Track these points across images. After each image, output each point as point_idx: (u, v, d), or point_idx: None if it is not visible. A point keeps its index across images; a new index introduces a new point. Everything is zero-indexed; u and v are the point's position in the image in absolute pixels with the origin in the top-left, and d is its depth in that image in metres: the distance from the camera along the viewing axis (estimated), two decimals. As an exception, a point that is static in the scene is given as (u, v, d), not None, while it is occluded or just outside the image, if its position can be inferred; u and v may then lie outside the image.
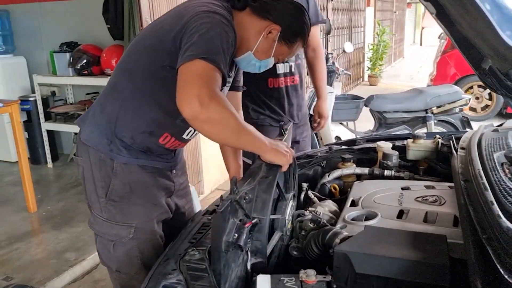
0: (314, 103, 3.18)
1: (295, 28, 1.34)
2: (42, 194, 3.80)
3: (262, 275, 1.03)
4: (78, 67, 3.93)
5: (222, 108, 1.09)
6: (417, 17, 21.14)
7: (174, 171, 1.47)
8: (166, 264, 1.09)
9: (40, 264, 2.68)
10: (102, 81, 3.78)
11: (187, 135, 1.40)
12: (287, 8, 1.34)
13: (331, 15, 6.93)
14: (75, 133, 4.20)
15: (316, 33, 2.37)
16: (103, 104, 1.34)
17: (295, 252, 1.26)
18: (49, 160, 4.58)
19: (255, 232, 1.10)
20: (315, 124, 2.46)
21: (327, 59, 3.38)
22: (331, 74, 3.45)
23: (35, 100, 4.37)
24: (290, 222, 1.28)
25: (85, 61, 3.91)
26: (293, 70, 2.19)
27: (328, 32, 4.11)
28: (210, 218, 1.37)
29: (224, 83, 1.19)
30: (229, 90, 1.48)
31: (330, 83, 3.41)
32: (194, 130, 1.38)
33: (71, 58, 3.98)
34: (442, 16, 1.41)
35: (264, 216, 1.11)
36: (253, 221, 1.08)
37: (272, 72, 2.10)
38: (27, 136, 4.52)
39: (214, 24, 1.17)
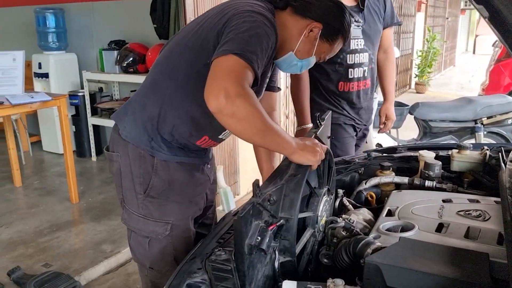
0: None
1: (336, 25, 1.33)
2: (84, 186, 3.94)
3: (288, 281, 1.00)
4: (125, 65, 4.05)
5: (248, 105, 1.07)
6: (471, 24, 20.32)
7: (208, 165, 1.49)
8: (192, 263, 1.09)
9: (78, 254, 2.77)
10: (147, 79, 3.87)
11: (223, 135, 1.41)
12: (327, 6, 1.32)
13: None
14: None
15: (389, 35, 2.37)
16: (144, 101, 1.34)
17: (325, 260, 1.22)
18: (93, 153, 4.75)
19: (283, 231, 1.07)
20: (381, 126, 2.46)
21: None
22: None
23: (83, 96, 4.55)
24: (323, 218, 1.24)
25: (131, 59, 4.02)
26: (366, 74, 2.19)
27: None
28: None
29: (256, 83, 1.17)
30: (265, 90, 1.45)
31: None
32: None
33: (118, 56, 4.11)
34: (496, 20, 1.32)
35: (291, 216, 1.07)
36: (278, 223, 1.04)
37: (344, 75, 2.14)
38: (74, 130, 4.71)
39: (256, 25, 1.16)
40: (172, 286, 1.00)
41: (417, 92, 9.26)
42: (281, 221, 1.05)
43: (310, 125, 2.12)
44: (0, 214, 3.38)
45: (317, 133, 1.36)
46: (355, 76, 2.16)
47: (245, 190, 3.84)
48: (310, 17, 1.30)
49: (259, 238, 0.97)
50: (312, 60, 1.38)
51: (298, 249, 1.11)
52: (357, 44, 2.13)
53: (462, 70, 13.62)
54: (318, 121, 1.48)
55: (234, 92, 1.05)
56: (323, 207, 1.24)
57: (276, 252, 1.06)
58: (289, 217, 1.06)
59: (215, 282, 0.97)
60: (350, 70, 2.13)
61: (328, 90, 2.18)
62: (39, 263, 2.65)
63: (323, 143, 1.29)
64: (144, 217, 1.37)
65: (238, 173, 3.69)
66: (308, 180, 1.18)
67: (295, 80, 2.15)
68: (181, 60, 1.29)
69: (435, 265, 0.92)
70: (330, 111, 1.65)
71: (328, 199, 1.31)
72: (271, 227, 1.02)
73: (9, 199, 3.70)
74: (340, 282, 0.96)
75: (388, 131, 2.53)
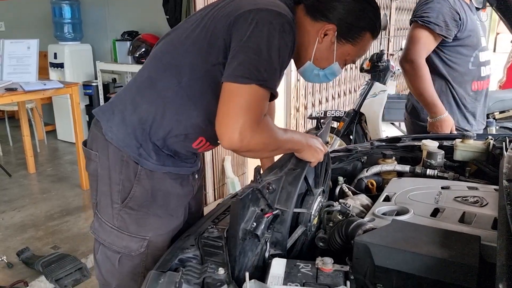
0: (367, 100, 3.09)
1: (351, 20, 1.13)
2: (95, 174, 4.00)
3: (278, 259, 1.00)
4: (137, 55, 4.09)
5: (264, 139, 1.04)
6: (492, 22, 19.87)
7: (196, 176, 1.34)
8: (186, 240, 1.10)
9: (85, 238, 2.82)
10: (158, 70, 3.90)
11: None
12: (340, 2, 1.13)
13: (394, 14, 6.69)
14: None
15: None
16: (137, 102, 1.16)
17: (321, 243, 1.22)
18: (106, 143, 4.81)
19: (276, 224, 1.08)
20: None
21: (381, 56, 3.26)
22: (385, 72, 3.32)
23: (97, 86, 4.62)
24: (316, 218, 1.24)
25: (143, 49, 4.06)
26: (489, 72, 2.16)
27: (384, 28, 3.96)
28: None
29: (272, 99, 1.12)
30: None
31: (383, 81, 3.29)
32: None
33: (131, 47, 4.16)
34: (503, 8, 1.31)
35: (287, 209, 1.07)
36: (274, 212, 1.05)
37: (477, 74, 2.09)
38: (87, 119, 4.78)
39: (275, 33, 1.01)
40: (165, 260, 1.02)
41: (433, 89, 9.10)
42: (277, 211, 1.06)
43: (445, 114, 2.04)
44: (13, 198, 3.47)
45: (318, 135, 1.37)
46: (486, 74, 2.13)
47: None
48: (320, 18, 1.14)
49: (255, 224, 0.98)
50: (337, 67, 1.22)
51: (289, 244, 1.11)
52: (484, 41, 2.10)
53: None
54: (319, 125, 1.50)
55: (250, 132, 0.98)
56: (317, 206, 1.24)
57: (268, 244, 1.06)
58: (284, 209, 1.07)
59: (205, 257, 0.99)
60: (481, 68, 2.08)
61: (465, 91, 2.10)
62: (48, 245, 2.72)
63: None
64: (118, 229, 1.19)
65: (246, 164, 3.70)
66: (306, 177, 1.19)
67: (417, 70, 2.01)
68: (186, 58, 1.12)
69: (424, 246, 0.92)
70: (331, 117, 1.66)
71: (322, 200, 1.30)
72: (267, 215, 1.03)
73: (22, 184, 3.80)
74: (329, 260, 0.97)
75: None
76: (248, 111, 0.98)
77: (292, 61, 1.23)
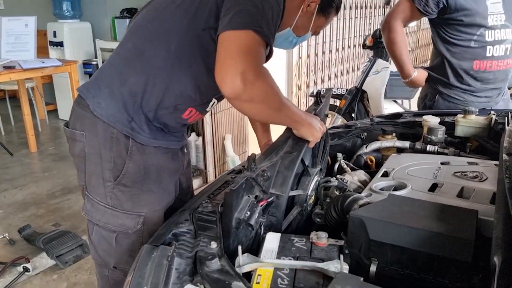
0: (369, 78, 3.02)
1: None
2: (97, 153, 4.01)
3: (272, 233, 1.00)
4: (137, 33, 4.04)
5: (266, 87, 1.01)
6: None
7: (185, 150, 1.36)
8: (180, 215, 1.09)
9: (86, 215, 2.84)
10: (158, 47, 3.86)
11: (209, 107, 1.28)
12: None
13: (399, -10, 6.54)
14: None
15: None
16: (125, 74, 1.14)
17: (318, 219, 1.21)
18: (107, 122, 4.80)
19: (271, 208, 1.06)
20: None
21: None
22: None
23: (97, 64, 4.57)
24: (312, 197, 1.23)
25: (143, 27, 4.01)
26: (508, 53, 2.04)
27: (387, 3, 3.87)
28: (233, 177, 1.36)
29: (269, 57, 1.12)
30: None
31: (386, 58, 3.22)
32: (217, 101, 1.26)
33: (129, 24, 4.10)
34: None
35: (282, 193, 1.06)
36: (269, 200, 1.03)
37: (481, 54, 2.01)
38: (88, 98, 4.76)
39: None
40: (158, 235, 1.01)
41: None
42: (272, 198, 1.04)
43: (414, 74, 2.12)
44: (15, 177, 3.48)
45: (317, 110, 1.35)
46: (495, 55, 2.01)
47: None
48: None
49: (248, 213, 0.96)
50: (308, 36, 1.32)
51: (284, 226, 1.10)
52: (497, 20, 1.98)
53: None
54: (318, 99, 1.46)
55: (253, 75, 0.96)
56: (313, 186, 1.22)
57: (262, 228, 1.05)
58: (279, 194, 1.05)
59: (199, 231, 0.98)
60: (489, 47, 2.00)
61: (460, 68, 2.05)
62: (49, 223, 2.74)
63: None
64: (112, 208, 1.18)
65: (247, 142, 3.68)
66: (303, 158, 1.17)
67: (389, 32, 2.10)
68: (174, 24, 1.11)
69: (420, 220, 0.90)
70: (332, 89, 1.62)
71: (319, 179, 1.28)
72: (261, 203, 1.01)
73: (24, 163, 3.81)
74: (323, 234, 0.96)
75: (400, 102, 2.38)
76: (248, 55, 0.97)
77: None
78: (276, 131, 1.33)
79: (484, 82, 2.05)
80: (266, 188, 1.04)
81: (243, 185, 0.94)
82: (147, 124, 1.17)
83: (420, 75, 2.16)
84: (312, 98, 4.31)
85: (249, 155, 1.03)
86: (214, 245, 0.88)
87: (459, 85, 2.06)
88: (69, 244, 2.41)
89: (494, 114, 1.57)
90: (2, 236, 2.55)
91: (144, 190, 1.20)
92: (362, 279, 0.73)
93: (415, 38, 7.71)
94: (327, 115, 1.60)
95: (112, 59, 1.20)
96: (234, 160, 3.26)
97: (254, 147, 3.79)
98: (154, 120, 1.18)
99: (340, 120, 3.21)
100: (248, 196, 0.98)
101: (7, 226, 2.69)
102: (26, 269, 2.23)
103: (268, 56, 1.13)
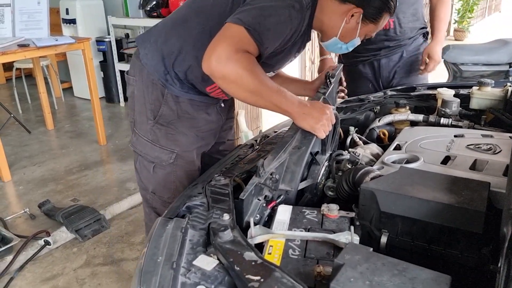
0: None
1: (377, 5, 1.26)
2: (112, 130, 4.06)
3: (284, 205, 1.01)
4: (148, 9, 4.01)
5: (237, 69, 1.08)
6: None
7: (222, 104, 1.48)
8: (194, 188, 1.12)
9: (104, 190, 2.90)
10: (170, 23, 3.84)
11: None
12: None
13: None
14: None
15: None
16: (169, 34, 1.33)
17: (330, 193, 1.22)
18: (121, 99, 4.84)
19: (282, 201, 1.06)
20: (422, 67, 2.13)
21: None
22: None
23: (110, 42, 4.58)
24: (321, 184, 1.22)
25: (154, 2, 3.98)
26: None
27: None
28: (245, 151, 1.37)
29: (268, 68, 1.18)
30: None
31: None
32: None
33: (142, 0, 4.07)
34: None
35: (291, 188, 1.07)
36: (278, 201, 1.04)
37: None
38: (102, 76, 4.79)
39: (282, 5, 1.14)
40: (173, 208, 1.04)
41: (456, 40, 8.78)
42: (281, 196, 1.05)
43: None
44: (33, 154, 3.56)
45: (326, 94, 1.32)
46: None
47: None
48: (349, 1, 1.24)
49: (258, 216, 0.98)
50: (357, 41, 1.35)
51: None
52: None
53: (508, 17, 12.72)
54: (328, 80, 1.43)
55: (226, 56, 1.07)
56: (322, 174, 1.20)
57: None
58: (289, 189, 1.06)
59: (212, 203, 1.00)
60: None
61: None
62: (68, 198, 2.81)
63: (331, 104, 1.25)
64: (151, 142, 1.39)
65: (261, 118, 3.68)
66: (311, 151, 1.15)
67: None
68: (215, 6, 1.27)
69: (431, 192, 0.91)
70: (342, 65, 1.59)
71: (327, 164, 1.26)
72: (271, 205, 1.02)
73: (42, 140, 3.88)
74: (334, 206, 0.97)
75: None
76: (229, 39, 1.09)
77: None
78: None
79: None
80: (275, 187, 1.05)
81: (252, 192, 0.95)
82: (179, 80, 1.34)
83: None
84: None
85: (258, 162, 1.02)
86: (226, 217, 0.90)
87: None
88: (88, 218, 2.48)
89: (510, 86, 1.54)
90: (23, 211, 2.63)
91: (178, 131, 1.39)
92: (371, 249, 0.74)
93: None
94: (338, 92, 1.58)
95: (167, 19, 1.39)
96: (247, 135, 3.28)
97: (268, 123, 3.79)
98: (184, 79, 1.34)
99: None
100: (258, 199, 0.99)
101: (28, 202, 2.77)
102: (47, 243, 2.31)
103: (259, 56, 1.17)
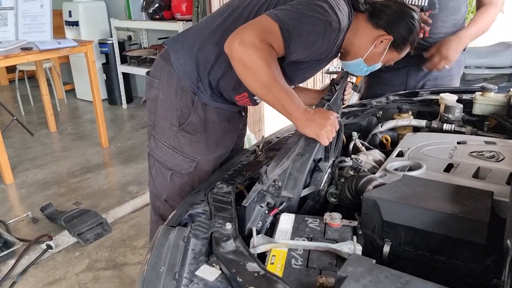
0: None
1: (405, 35, 1.31)
2: (114, 132, 4.07)
3: (287, 214, 1.01)
4: (151, 11, 4.03)
5: (256, 57, 1.09)
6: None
7: (242, 113, 1.50)
8: (196, 195, 1.11)
9: (106, 194, 2.91)
10: (173, 26, 3.85)
11: (259, 99, 1.38)
12: (397, 16, 1.30)
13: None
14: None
15: None
16: (206, 41, 1.31)
17: (332, 199, 1.22)
18: (124, 101, 4.85)
19: (284, 208, 1.06)
20: (427, 55, 1.89)
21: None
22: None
23: (113, 44, 4.59)
24: (324, 191, 1.22)
25: (157, 5, 3.99)
26: None
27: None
28: (248, 157, 1.37)
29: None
30: None
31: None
32: None
33: (144, 3, 4.08)
34: None
35: (293, 195, 1.07)
36: (280, 208, 1.04)
37: None
38: (105, 78, 4.80)
39: (320, 19, 1.16)
40: (175, 215, 1.04)
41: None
42: (283, 204, 1.05)
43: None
44: (36, 156, 3.57)
45: (330, 101, 1.32)
46: None
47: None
48: (382, 27, 1.29)
49: (260, 223, 0.98)
50: (378, 66, 1.39)
51: None
52: None
53: (511, 17, 12.67)
54: (332, 87, 1.43)
55: (250, 41, 1.08)
56: (325, 181, 1.20)
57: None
58: (291, 196, 1.06)
59: (214, 212, 1.00)
60: None
61: None
62: (70, 201, 2.82)
63: (335, 112, 1.24)
64: (173, 149, 1.38)
65: (263, 120, 3.69)
66: (314, 158, 1.15)
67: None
68: (253, 15, 1.26)
69: (433, 201, 0.90)
70: (346, 74, 1.56)
71: (330, 170, 1.26)
72: (273, 212, 1.02)
73: (44, 143, 3.89)
74: (337, 215, 0.97)
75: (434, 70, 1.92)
76: (259, 28, 1.11)
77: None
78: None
79: None
80: (278, 194, 1.05)
81: (255, 199, 0.95)
82: (210, 88, 1.34)
83: None
84: (328, 76, 4.26)
85: (261, 168, 1.01)
86: (229, 226, 0.90)
87: None
88: (90, 222, 2.48)
89: (514, 92, 1.53)
90: (26, 215, 2.64)
91: (202, 140, 1.38)
92: (374, 261, 0.74)
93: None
94: (343, 99, 1.58)
95: (202, 24, 1.37)
96: (250, 138, 3.27)
97: (270, 125, 3.80)
98: (215, 88, 1.34)
99: (356, 97, 3.17)
100: (260, 206, 0.99)
101: (30, 205, 2.78)
102: (49, 247, 2.32)
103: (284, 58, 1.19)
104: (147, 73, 1.43)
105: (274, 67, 1.12)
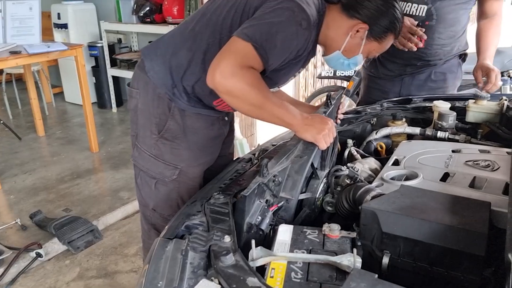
0: None
1: (384, 24, 1.28)
2: (104, 136, 4.03)
3: (285, 225, 1.00)
4: (141, 14, 4.00)
5: (241, 84, 1.09)
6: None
7: (226, 118, 1.48)
8: (192, 206, 1.10)
9: (96, 200, 2.87)
10: (164, 29, 3.82)
11: None
12: (375, 5, 1.26)
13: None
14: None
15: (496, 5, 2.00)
16: (178, 47, 1.31)
17: (329, 208, 1.21)
18: (113, 105, 4.81)
19: (281, 211, 1.07)
20: (480, 85, 1.88)
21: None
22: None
23: (102, 47, 4.54)
24: (320, 200, 1.23)
25: (148, 8, 3.96)
26: None
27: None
28: (244, 165, 1.36)
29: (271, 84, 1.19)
30: None
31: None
32: None
33: (135, 5, 4.05)
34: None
35: (292, 197, 1.07)
36: (279, 204, 1.05)
37: None
38: (94, 81, 4.75)
39: (292, 21, 1.15)
40: (171, 227, 1.02)
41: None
42: (282, 202, 1.05)
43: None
44: (24, 161, 3.51)
45: (327, 113, 1.33)
46: None
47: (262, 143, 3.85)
48: (356, 17, 1.26)
49: (260, 218, 0.98)
50: (360, 58, 1.36)
51: None
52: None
53: (503, 23, 12.83)
54: (329, 101, 1.45)
55: (230, 72, 1.08)
56: (321, 189, 1.21)
57: (271, 231, 1.05)
58: (289, 198, 1.06)
59: (212, 223, 0.98)
60: None
61: None
62: (60, 208, 2.77)
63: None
64: (155, 157, 1.37)
65: (255, 125, 3.68)
66: (312, 162, 1.16)
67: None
68: (226, 21, 1.26)
69: (432, 212, 0.90)
70: (342, 91, 1.59)
71: (326, 181, 1.27)
72: (272, 208, 1.02)
73: (32, 147, 3.83)
74: (336, 227, 0.96)
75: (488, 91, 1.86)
76: (234, 55, 1.10)
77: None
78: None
79: None
80: (277, 192, 1.06)
81: (255, 191, 0.95)
82: (186, 94, 1.32)
83: None
84: (320, 80, 4.27)
85: (263, 161, 1.04)
86: (227, 239, 0.89)
87: None
88: (80, 229, 2.44)
89: (506, 100, 1.55)
90: (14, 222, 2.59)
91: (183, 147, 1.36)
92: (376, 276, 0.73)
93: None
94: (336, 117, 1.59)
95: (174, 32, 1.36)
96: (242, 142, 3.27)
97: (262, 130, 3.79)
98: (191, 93, 1.33)
99: (348, 103, 3.17)
100: (260, 201, 1.00)
101: (19, 212, 2.73)
102: (38, 255, 2.28)
103: (264, 71, 1.18)
104: (128, 84, 1.44)
105: (261, 87, 1.13)
